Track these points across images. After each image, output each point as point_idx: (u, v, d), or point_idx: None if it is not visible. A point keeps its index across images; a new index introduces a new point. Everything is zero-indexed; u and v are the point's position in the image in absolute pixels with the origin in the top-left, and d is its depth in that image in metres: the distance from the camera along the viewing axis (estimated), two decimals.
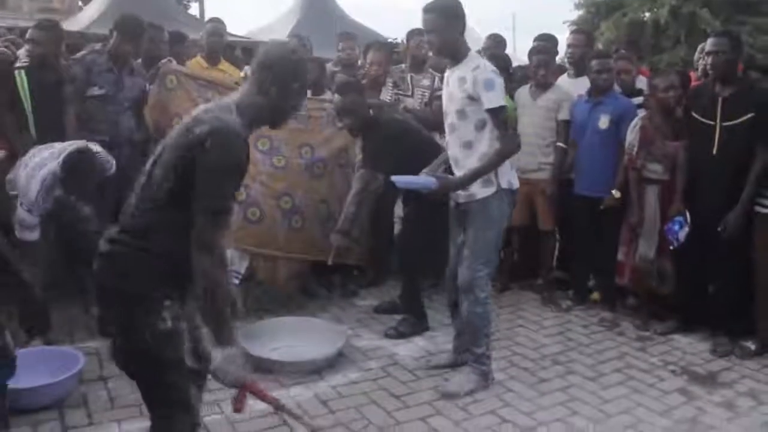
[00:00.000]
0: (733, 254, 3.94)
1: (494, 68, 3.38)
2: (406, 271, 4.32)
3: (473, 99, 3.32)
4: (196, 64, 5.00)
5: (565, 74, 5.25)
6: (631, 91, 4.75)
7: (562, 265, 5.12)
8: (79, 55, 4.41)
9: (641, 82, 4.86)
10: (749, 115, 3.83)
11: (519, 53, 8.99)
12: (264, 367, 3.64)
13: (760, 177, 3.80)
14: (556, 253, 5.10)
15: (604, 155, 4.51)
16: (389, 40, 6.32)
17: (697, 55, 5.34)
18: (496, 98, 3.29)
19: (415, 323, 4.24)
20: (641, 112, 4.48)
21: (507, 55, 5.36)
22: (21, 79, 4.23)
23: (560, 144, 4.73)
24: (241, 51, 9.45)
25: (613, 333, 4.34)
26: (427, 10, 3.36)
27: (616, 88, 4.69)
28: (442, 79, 5.34)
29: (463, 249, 3.49)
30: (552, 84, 4.86)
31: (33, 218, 3.29)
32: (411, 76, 5.22)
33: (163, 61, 4.71)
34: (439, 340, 4.15)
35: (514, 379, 3.65)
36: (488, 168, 3.36)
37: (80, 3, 19.07)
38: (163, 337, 2.08)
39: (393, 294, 4.76)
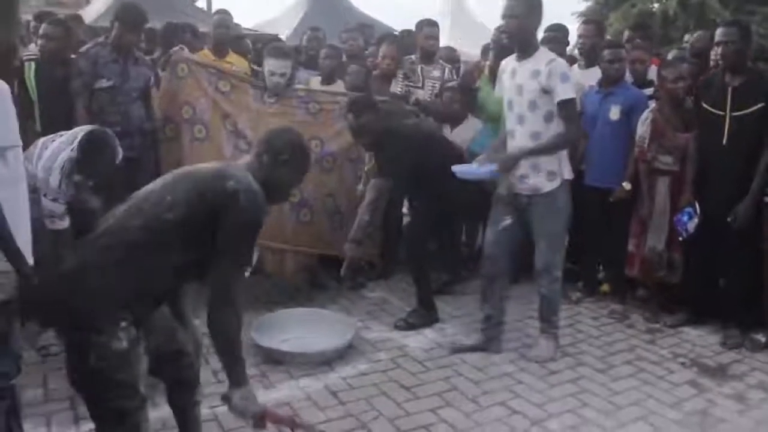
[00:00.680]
0: (743, 245, 3.92)
1: (563, 61, 3.58)
2: (413, 262, 4.32)
3: (546, 91, 3.49)
4: (203, 56, 4.99)
5: (576, 65, 5.21)
6: (643, 82, 4.72)
7: (572, 257, 5.08)
8: (83, 48, 4.40)
9: (652, 73, 4.82)
10: (759, 105, 3.80)
11: None
12: (274, 358, 3.66)
13: None
14: (566, 244, 5.07)
15: (615, 146, 4.49)
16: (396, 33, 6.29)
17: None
18: (569, 90, 3.47)
19: (425, 315, 4.24)
20: (652, 104, 4.45)
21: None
22: (30, 71, 4.24)
23: None
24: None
25: (623, 325, 4.34)
26: None
27: (629, 77, 4.66)
28: (452, 71, 5.39)
29: (537, 240, 3.72)
30: None
31: (60, 206, 3.30)
32: (421, 68, 5.21)
33: (175, 49, 4.70)
34: (449, 331, 4.16)
35: (525, 371, 3.65)
36: (550, 148, 3.56)
37: None
38: (116, 358, 2.07)
39: (403, 286, 4.77)
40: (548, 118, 3.52)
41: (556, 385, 3.50)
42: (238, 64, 5.08)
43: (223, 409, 2.47)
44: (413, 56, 5.33)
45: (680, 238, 4.10)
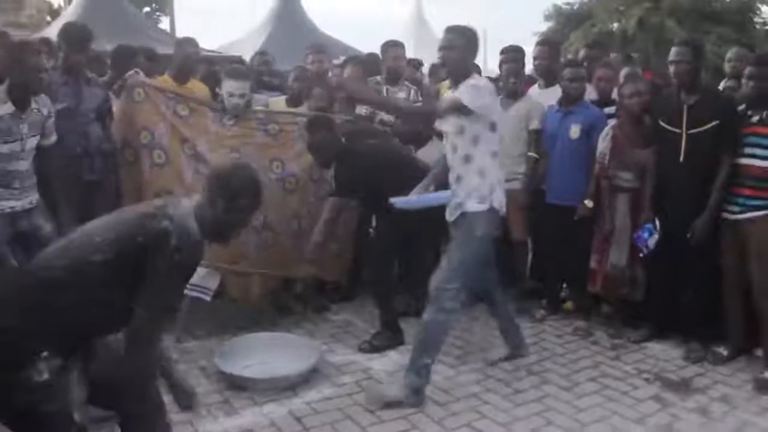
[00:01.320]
0: (703, 260, 3.97)
1: (486, 83, 3.51)
2: (377, 284, 4.29)
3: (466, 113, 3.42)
4: (163, 81, 4.93)
5: (536, 85, 5.28)
6: (608, 100, 4.78)
7: (535, 275, 5.13)
8: None
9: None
10: (714, 123, 3.87)
11: (491, 67, 9.06)
12: (237, 384, 3.60)
13: (726, 184, 3.84)
14: (529, 263, 5.11)
15: (575, 165, 4.53)
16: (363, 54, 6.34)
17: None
18: (464, 93, 3.39)
19: (390, 337, 4.21)
20: (612, 121, 4.51)
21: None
22: None
23: (532, 154, 4.74)
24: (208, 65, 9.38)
25: (587, 342, 4.35)
26: (449, 29, 3.54)
27: (593, 94, 4.72)
28: (417, 92, 5.42)
29: (443, 258, 3.57)
30: (523, 94, 4.90)
31: None
32: (387, 89, 5.22)
33: (130, 73, 4.64)
34: None
35: (490, 391, 3.64)
36: (387, 102, 3.80)
37: (48, 18, 18.92)
38: (40, 390, 2.02)
39: (368, 308, 4.74)
40: (475, 140, 3.46)
41: (521, 405, 3.49)
42: (199, 91, 5.01)
43: None
44: (378, 77, 5.35)
45: (641, 255, 4.15)
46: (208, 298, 4.25)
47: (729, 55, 5.26)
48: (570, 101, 4.60)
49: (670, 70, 4.05)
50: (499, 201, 3.52)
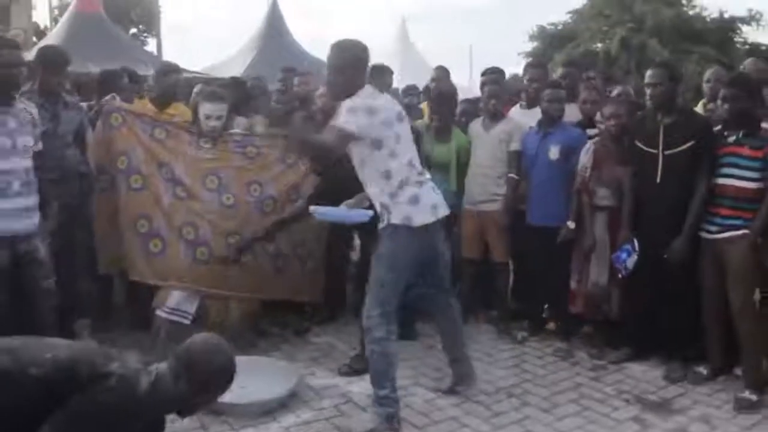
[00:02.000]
0: (682, 280, 3.98)
1: (362, 101, 3.30)
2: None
3: None
4: (143, 106, 4.91)
5: (518, 105, 5.31)
6: (591, 122, 4.80)
7: (517, 296, 5.12)
8: None
9: None
10: (690, 143, 3.91)
11: (477, 84, 9.08)
12: (215, 409, 3.55)
13: (702, 204, 3.86)
14: (511, 283, 5.11)
15: (555, 186, 4.55)
16: None
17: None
18: (339, 118, 3.26)
19: None
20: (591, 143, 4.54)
21: (453, 88, 5.38)
22: None
23: (512, 175, 4.76)
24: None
25: (567, 363, 4.34)
26: (334, 47, 3.40)
27: (576, 115, 4.76)
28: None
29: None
30: (504, 115, 4.92)
31: None
32: None
33: (107, 98, 4.62)
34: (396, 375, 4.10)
35: (470, 414, 3.62)
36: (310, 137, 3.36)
37: (34, 38, 18.91)
38: None
39: (350, 329, 4.70)
40: (361, 164, 3.38)
41: (501, 427, 3.48)
42: (180, 114, 4.99)
43: None
44: None
45: (619, 276, 4.16)
46: (187, 322, 4.21)
47: (707, 75, 5.31)
48: (549, 122, 4.62)
49: (647, 92, 4.08)
50: (405, 216, 3.31)
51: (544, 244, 4.54)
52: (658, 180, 4.01)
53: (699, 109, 4.96)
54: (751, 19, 16.19)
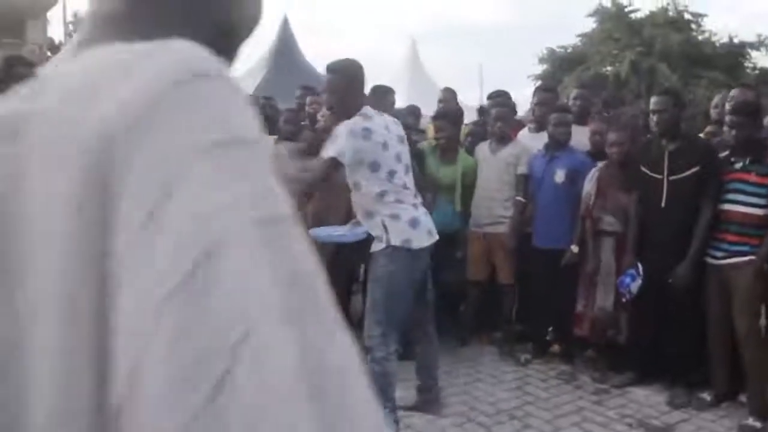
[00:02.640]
0: (686, 305, 3.98)
1: (357, 124, 3.25)
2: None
3: None
4: None
5: (526, 128, 5.33)
6: (600, 152, 4.71)
7: (521, 318, 5.11)
8: None
9: None
10: (694, 169, 3.93)
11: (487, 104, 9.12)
12: None
13: (706, 229, 3.87)
14: (516, 305, 5.10)
15: (561, 209, 4.57)
16: None
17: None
18: (330, 146, 3.21)
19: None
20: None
21: (459, 108, 5.42)
22: None
23: (519, 198, 4.78)
24: None
25: (571, 386, 4.33)
26: (329, 69, 3.39)
27: (585, 145, 4.78)
28: None
29: None
30: (511, 138, 4.95)
31: None
32: None
33: None
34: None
35: None
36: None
37: (48, 53, 19.11)
38: None
39: None
40: (356, 186, 3.35)
41: None
42: None
43: None
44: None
45: (623, 300, 4.16)
46: None
47: (715, 100, 5.34)
48: (556, 146, 4.65)
49: (652, 118, 4.11)
50: (404, 238, 3.31)
51: (549, 267, 4.55)
52: (663, 205, 4.02)
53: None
54: (760, 44, 16.21)
